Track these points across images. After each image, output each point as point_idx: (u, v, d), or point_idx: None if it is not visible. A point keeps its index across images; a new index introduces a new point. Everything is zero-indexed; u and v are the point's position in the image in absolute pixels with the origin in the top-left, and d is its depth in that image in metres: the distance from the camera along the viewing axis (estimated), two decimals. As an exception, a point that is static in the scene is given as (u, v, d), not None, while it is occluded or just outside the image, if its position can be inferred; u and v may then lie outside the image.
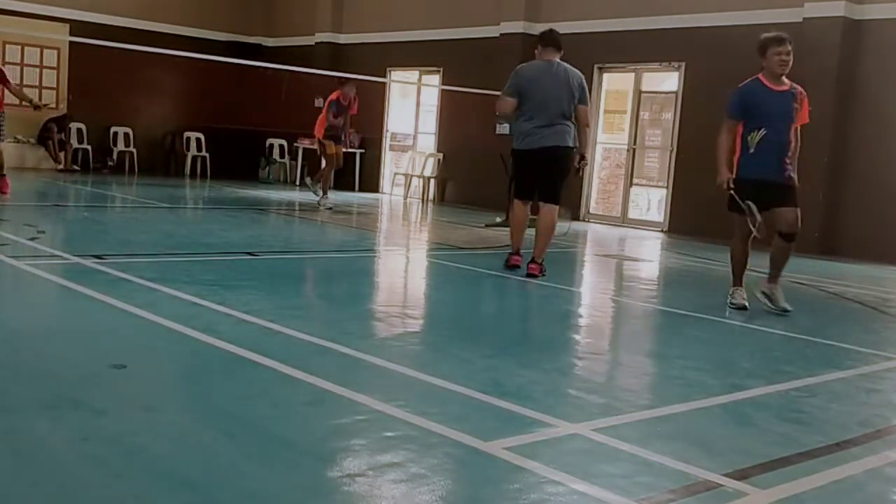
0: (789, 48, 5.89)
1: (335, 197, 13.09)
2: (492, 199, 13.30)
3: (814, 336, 5.40)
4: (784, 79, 5.97)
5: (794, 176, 5.97)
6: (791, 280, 5.45)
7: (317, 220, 11.23)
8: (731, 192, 5.94)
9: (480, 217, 12.39)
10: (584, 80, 7.14)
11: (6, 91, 10.27)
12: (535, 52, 7.32)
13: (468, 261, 8.18)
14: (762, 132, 5.87)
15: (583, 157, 7.22)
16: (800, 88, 6.03)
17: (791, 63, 5.93)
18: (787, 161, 5.93)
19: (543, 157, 6.98)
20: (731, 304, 6.11)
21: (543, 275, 6.96)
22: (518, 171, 7.33)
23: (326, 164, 12.54)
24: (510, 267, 7.20)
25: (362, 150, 16.75)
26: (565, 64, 7.16)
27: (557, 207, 7.09)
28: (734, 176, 5.96)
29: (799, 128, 6.02)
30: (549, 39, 7.21)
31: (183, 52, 12.06)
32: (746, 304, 6.07)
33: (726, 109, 6.07)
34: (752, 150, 5.91)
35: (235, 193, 14.32)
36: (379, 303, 6.08)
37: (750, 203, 5.83)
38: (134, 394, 3.33)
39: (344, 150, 13.08)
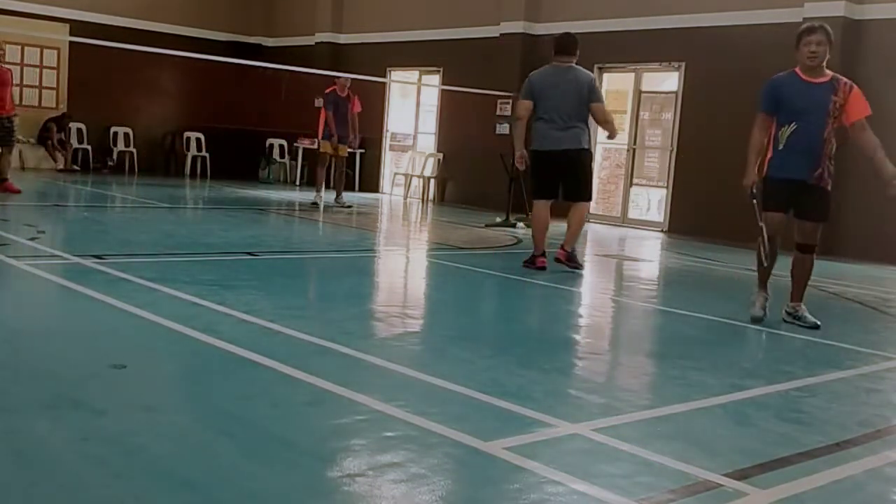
0: (820, 37, 5.37)
1: (348, 197, 13.09)
2: (492, 199, 13.32)
3: (814, 336, 5.39)
4: (826, 70, 5.45)
5: (828, 178, 5.42)
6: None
7: (317, 220, 11.23)
8: (754, 200, 5.50)
9: (480, 217, 12.40)
10: (594, 81, 7.39)
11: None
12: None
13: (468, 261, 8.19)
14: (793, 126, 5.37)
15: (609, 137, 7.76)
16: (844, 80, 5.46)
17: (824, 54, 5.39)
18: (820, 160, 5.37)
19: (560, 159, 7.25)
20: (750, 312, 5.66)
21: (577, 265, 7.37)
22: (535, 171, 7.47)
23: (319, 163, 12.58)
24: (537, 268, 7.27)
25: (362, 150, 16.75)
26: (577, 67, 7.36)
27: (588, 204, 7.50)
28: (765, 175, 5.50)
29: (864, 121, 5.41)
30: (560, 45, 7.42)
31: (183, 52, 12.07)
32: (762, 314, 5.60)
33: (758, 102, 5.57)
34: (781, 147, 5.43)
35: (235, 193, 14.32)
36: (379, 303, 6.08)
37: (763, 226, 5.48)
38: (134, 394, 3.33)
39: (350, 150, 12.99)
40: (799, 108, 5.38)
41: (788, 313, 5.66)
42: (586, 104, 7.21)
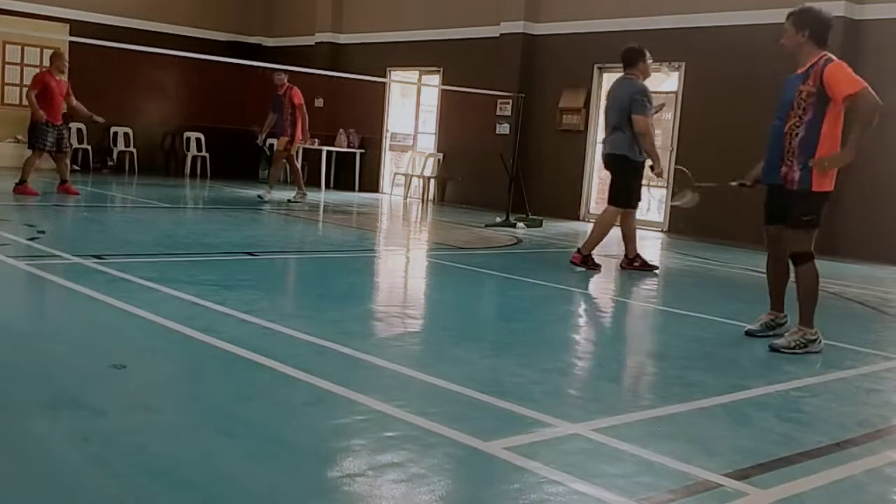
0: (785, 26, 5.05)
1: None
2: (492, 199, 13.31)
3: (814, 336, 5.38)
4: (815, 54, 4.92)
5: (797, 176, 4.84)
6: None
7: (317, 220, 11.23)
8: (732, 183, 5.37)
9: (480, 217, 12.40)
10: (637, 93, 7.50)
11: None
12: None
13: (468, 261, 8.18)
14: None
15: (651, 167, 7.76)
16: (821, 62, 4.83)
17: (791, 41, 4.99)
18: (782, 157, 4.91)
19: (604, 163, 7.99)
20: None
21: (592, 267, 7.62)
22: None
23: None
24: (648, 268, 8.00)
25: (362, 150, 16.75)
26: (630, 78, 7.62)
27: (614, 209, 7.81)
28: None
29: (851, 99, 4.71)
30: (621, 57, 7.77)
31: (183, 52, 12.07)
32: (755, 329, 5.25)
33: None
34: None
35: (235, 193, 14.32)
36: (379, 303, 6.08)
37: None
38: (134, 394, 3.33)
39: (301, 145, 13.29)
40: (777, 105, 5.06)
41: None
42: (628, 114, 7.44)
